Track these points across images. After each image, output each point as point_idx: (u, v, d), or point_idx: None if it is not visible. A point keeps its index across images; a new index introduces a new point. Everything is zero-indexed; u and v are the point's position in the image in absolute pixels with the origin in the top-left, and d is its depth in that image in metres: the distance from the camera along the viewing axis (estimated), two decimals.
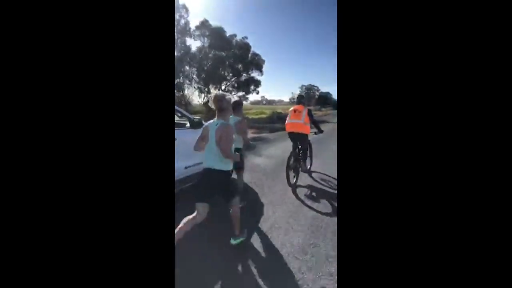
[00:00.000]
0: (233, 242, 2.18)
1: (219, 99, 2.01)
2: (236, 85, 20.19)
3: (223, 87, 19.04)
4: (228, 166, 2.06)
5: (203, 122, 3.76)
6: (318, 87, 52.99)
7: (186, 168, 3.40)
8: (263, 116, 21.08)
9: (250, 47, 19.53)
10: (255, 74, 20.45)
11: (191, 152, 3.36)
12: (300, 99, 4.11)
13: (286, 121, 4.05)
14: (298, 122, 3.87)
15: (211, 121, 2.08)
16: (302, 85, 49.49)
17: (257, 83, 20.53)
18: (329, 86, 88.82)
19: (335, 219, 2.70)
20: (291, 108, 4.08)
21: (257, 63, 20.06)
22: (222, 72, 18.89)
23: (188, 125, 3.59)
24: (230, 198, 2.09)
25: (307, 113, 3.87)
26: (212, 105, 2.05)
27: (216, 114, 2.05)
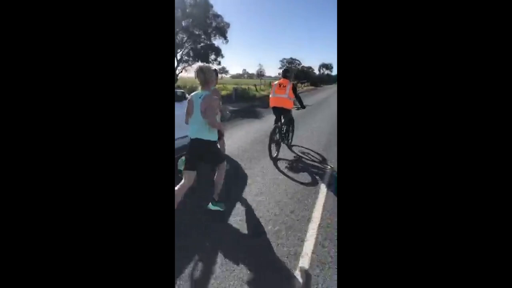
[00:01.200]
0: (211, 207, 2.31)
1: (205, 71, 2.05)
2: (191, 53, 16.61)
3: (177, 56, 16.02)
4: (215, 135, 2.14)
5: (187, 95, 3.73)
6: (299, 61, 50.98)
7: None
8: (224, 93, 14.06)
9: (210, 6, 15.74)
10: (218, 42, 16.83)
11: (177, 125, 3.39)
12: (285, 73, 4.12)
13: (270, 95, 4.08)
14: (282, 96, 3.92)
15: (194, 93, 2.12)
16: (283, 58, 47.41)
17: (218, 52, 17.01)
18: (312, 62, 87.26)
19: (314, 188, 2.93)
20: (276, 82, 4.09)
21: (220, 28, 16.34)
22: (176, 37, 15.23)
23: None
24: (218, 162, 2.23)
25: (292, 87, 3.92)
26: (197, 77, 2.07)
27: (200, 86, 2.10)
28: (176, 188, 2.08)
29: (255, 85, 19.03)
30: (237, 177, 3.19)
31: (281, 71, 4.35)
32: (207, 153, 2.14)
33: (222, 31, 16.64)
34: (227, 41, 16.99)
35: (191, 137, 2.13)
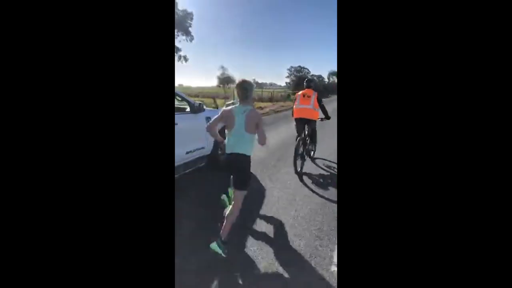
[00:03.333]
0: (213, 247, 1.89)
1: (248, 86, 2.00)
2: None
3: None
4: (251, 151, 2.06)
5: (205, 107, 3.62)
6: (308, 70, 49.50)
7: (187, 153, 3.26)
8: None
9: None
10: (181, 38, 14.57)
11: (192, 137, 3.30)
12: (309, 83, 3.91)
13: (294, 106, 3.86)
14: (307, 107, 3.70)
15: (234, 106, 2.05)
16: (291, 67, 44.66)
17: (176, 51, 14.68)
18: (320, 69, 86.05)
19: None
20: (300, 92, 3.88)
21: (182, 24, 13.83)
22: None
23: (188, 109, 3.43)
24: (243, 184, 2.07)
25: (316, 97, 3.70)
26: (240, 90, 2.00)
27: (240, 100, 2.03)
28: (227, 214, 2.01)
29: (214, 99, 12.26)
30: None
31: (288, 80, 4.14)
32: (239, 167, 2.03)
33: (184, 27, 14.42)
34: (191, 39, 15.15)
35: (228, 152, 2.04)
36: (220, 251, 1.87)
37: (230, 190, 2.15)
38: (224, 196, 2.16)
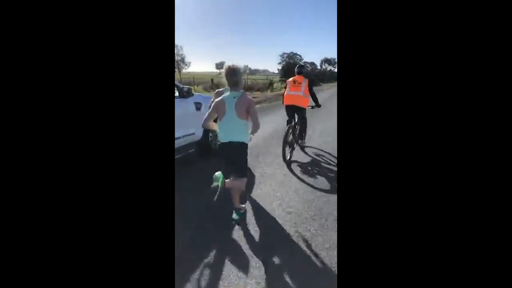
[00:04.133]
0: (236, 217, 2.19)
1: (237, 72, 1.93)
2: None
3: None
4: (247, 138, 2.03)
5: (193, 92, 3.54)
6: (301, 56, 47.50)
7: (176, 139, 3.19)
8: None
9: None
10: None
11: (181, 122, 3.23)
12: (300, 69, 3.82)
13: (285, 93, 3.79)
14: (297, 94, 3.63)
15: (226, 94, 2.00)
16: (283, 53, 41.43)
17: None
18: (313, 56, 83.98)
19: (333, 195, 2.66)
20: (290, 79, 3.79)
21: None
22: None
23: (176, 94, 3.34)
24: (241, 171, 2.11)
25: (307, 84, 3.63)
26: (228, 77, 1.94)
27: (230, 87, 1.98)
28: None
29: (212, 79, 16.98)
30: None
31: (280, 66, 4.05)
32: (236, 155, 2.02)
33: None
34: None
35: (223, 141, 2.00)
36: (242, 212, 2.26)
37: (220, 175, 2.11)
38: (219, 174, 2.13)
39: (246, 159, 2.13)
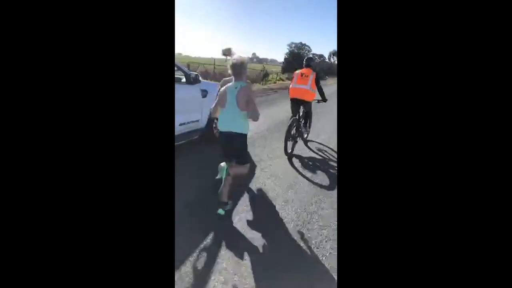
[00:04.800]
0: (221, 212, 2.13)
1: (241, 64, 1.95)
2: None
3: None
4: (247, 129, 2.06)
5: (200, 78, 3.51)
6: (309, 47, 45.62)
7: (180, 125, 3.19)
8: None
9: None
10: None
11: (186, 109, 3.23)
12: (309, 62, 3.76)
13: (291, 85, 3.75)
14: (304, 87, 3.59)
15: (228, 85, 2.03)
16: (292, 43, 38.65)
17: None
18: (322, 48, 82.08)
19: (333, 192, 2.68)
20: (298, 71, 3.74)
21: None
22: None
23: (183, 80, 3.31)
24: (242, 160, 2.15)
25: (315, 78, 3.58)
26: (233, 68, 1.96)
27: (234, 77, 2.00)
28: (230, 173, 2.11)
29: (214, 67, 15.75)
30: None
31: (287, 56, 3.99)
32: (236, 145, 2.05)
33: None
34: None
35: (223, 131, 2.02)
36: (228, 207, 2.20)
37: (225, 166, 2.15)
38: (223, 165, 2.17)
39: (246, 149, 2.15)
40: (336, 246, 1.88)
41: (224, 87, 2.05)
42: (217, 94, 2.05)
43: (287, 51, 31.84)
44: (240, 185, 2.27)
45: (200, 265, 1.64)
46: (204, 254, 1.72)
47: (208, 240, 1.86)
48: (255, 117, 1.98)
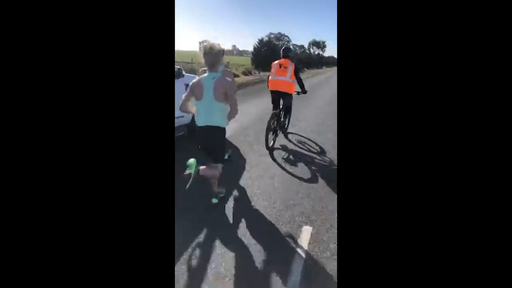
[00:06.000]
0: (214, 201, 2.19)
1: (214, 52, 1.79)
2: None
3: None
4: (225, 122, 1.93)
5: (183, 72, 3.34)
6: (289, 38, 43.27)
7: None
8: None
9: None
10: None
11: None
12: (287, 52, 3.65)
13: (270, 77, 3.63)
14: (283, 79, 3.49)
15: (203, 76, 1.87)
16: (270, 33, 37.93)
17: None
18: (302, 39, 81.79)
19: (311, 184, 2.64)
20: (276, 62, 3.63)
21: None
22: None
23: None
24: (220, 156, 2.06)
25: (294, 69, 3.49)
26: (205, 57, 1.81)
27: (208, 68, 1.87)
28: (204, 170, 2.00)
29: (191, 58, 13.02)
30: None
31: (257, 45, 3.89)
32: (213, 140, 1.94)
33: None
34: None
35: (200, 125, 1.90)
36: (220, 195, 2.25)
37: (194, 162, 2.02)
38: (192, 161, 2.06)
39: (224, 144, 2.05)
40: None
41: (197, 78, 1.91)
42: (189, 86, 1.90)
43: (258, 40, 28.21)
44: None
45: (195, 260, 1.63)
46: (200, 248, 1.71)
47: (202, 235, 1.84)
48: (233, 114, 1.88)
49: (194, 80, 1.89)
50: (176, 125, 3.30)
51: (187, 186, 1.95)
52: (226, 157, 2.54)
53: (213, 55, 1.80)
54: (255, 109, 5.84)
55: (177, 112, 3.19)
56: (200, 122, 1.90)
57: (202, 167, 2.02)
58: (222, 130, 1.95)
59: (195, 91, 1.85)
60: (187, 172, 1.94)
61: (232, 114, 1.90)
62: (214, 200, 2.18)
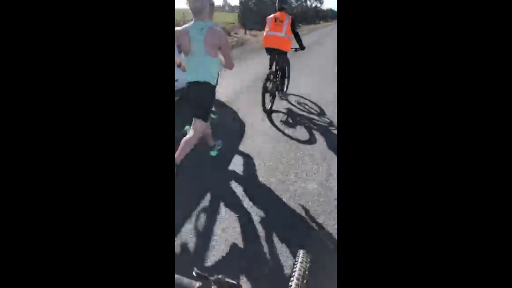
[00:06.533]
0: (213, 154, 2.25)
1: None
2: None
3: None
4: (215, 78, 1.81)
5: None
6: None
7: None
8: None
9: None
10: None
11: None
12: (282, 5, 3.31)
13: (264, 33, 3.35)
14: (278, 35, 3.22)
15: (190, 25, 1.64)
16: None
17: None
18: None
19: (311, 146, 2.60)
20: (271, 16, 3.31)
21: None
22: None
23: None
24: (205, 115, 1.91)
25: (290, 23, 3.20)
26: (189, 3, 1.59)
27: (194, 15, 1.63)
28: (184, 139, 1.83)
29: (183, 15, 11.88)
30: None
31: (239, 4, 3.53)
32: (201, 97, 1.79)
33: None
34: None
35: (190, 81, 1.75)
36: (219, 148, 2.29)
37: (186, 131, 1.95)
38: (188, 128, 2.02)
39: (211, 102, 1.91)
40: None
41: (181, 27, 1.66)
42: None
43: None
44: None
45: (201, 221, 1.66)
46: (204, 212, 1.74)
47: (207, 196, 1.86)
48: (229, 64, 1.74)
49: (177, 29, 1.65)
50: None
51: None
52: (213, 116, 2.54)
53: (201, 1, 1.57)
54: (253, 70, 5.56)
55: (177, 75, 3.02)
56: (189, 77, 1.77)
57: (189, 127, 1.95)
58: (212, 87, 1.82)
59: (182, 43, 1.65)
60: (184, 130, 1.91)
61: (228, 65, 1.77)
62: (213, 153, 2.25)
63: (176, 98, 3.28)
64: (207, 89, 1.78)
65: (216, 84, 1.92)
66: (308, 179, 2.12)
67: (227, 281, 0.47)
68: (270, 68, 3.44)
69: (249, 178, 2.13)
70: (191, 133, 1.88)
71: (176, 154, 1.80)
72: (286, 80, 3.87)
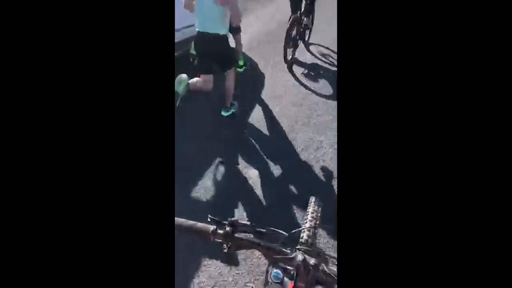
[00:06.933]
0: (224, 114, 2.19)
1: None
2: None
3: None
4: (226, 29, 1.77)
5: None
6: None
7: (176, 31, 2.64)
8: None
9: None
10: None
11: (180, 13, 2.58)
12: None
13: None
14: None
15: None
16: None
17: None
18: None
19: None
20: None
21: None
22: None
23: None
24: (230, 64, 1.93)
25: None
26: None
27: None
28: (226, 85, 1.95)
29: None
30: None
31: None
32: (218, 51, 1.79)
33: None
34: None
35: (200, 30, 1.73)
36: (232, 111, 2.18)
37: (185, 78, 1.83)
38: (184, 77, 1.86)
39: (229, 49, 1.89)
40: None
41: None
42: None
43: None
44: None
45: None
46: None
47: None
48: (236, 18, 1.69)
49: None
50: (186, 36, 2.82)
51: (176, 105, 1.82)
52: (241, 63, 2.53)
53: None
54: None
55: (186, 21, 2.78)
56: (200, 27, 1.73)
57: (192, 80, 1.86)
58: (224, 37, 1.78)
59: None
60: (176, 90, 1.78)
61: (235, 18, 1.71)
62: (224, 113, 2.15)
63: (177, 54, 3.07)
64: (220, 40, 1.75)
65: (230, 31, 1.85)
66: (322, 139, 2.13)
67: (241, 222, 0.49)
68: (294, 12, 3.13)
69: (267, 129, 2.17)
70: (228, 83, 1.94)
71: (226, 102, 2.00)
72: (310, 26, 3.56)
